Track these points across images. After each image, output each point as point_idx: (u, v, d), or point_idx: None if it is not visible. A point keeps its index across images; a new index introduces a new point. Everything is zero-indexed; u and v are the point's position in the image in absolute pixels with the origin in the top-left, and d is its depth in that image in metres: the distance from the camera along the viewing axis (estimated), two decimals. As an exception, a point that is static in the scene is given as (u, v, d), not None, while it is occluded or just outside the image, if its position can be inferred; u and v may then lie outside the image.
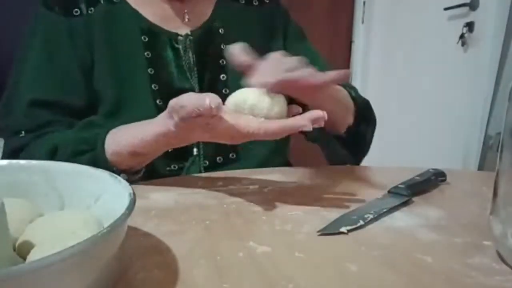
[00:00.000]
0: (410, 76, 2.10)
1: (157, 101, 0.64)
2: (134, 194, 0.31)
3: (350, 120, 0.65)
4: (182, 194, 0.51)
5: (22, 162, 0.38)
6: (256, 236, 0.40)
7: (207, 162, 0.66)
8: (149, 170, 0.57)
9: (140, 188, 0.52)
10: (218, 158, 0.67)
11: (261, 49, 0.50)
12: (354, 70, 2.52)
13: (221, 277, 0.32)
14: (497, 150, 0.36)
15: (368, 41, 2.42)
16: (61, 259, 0.22)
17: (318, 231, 0.41)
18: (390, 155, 2.24)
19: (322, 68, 0.49)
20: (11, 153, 0.59)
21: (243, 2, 0.75)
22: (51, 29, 0.64)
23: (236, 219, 0.44)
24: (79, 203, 0.36)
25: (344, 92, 0.66)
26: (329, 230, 0.41)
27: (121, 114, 0.62)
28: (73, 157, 0.54)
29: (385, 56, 2.33)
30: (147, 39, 0.65)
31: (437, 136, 1.91)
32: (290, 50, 0.74)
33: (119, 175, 0.42)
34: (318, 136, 0.67)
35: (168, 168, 0.64)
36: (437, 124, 1.92)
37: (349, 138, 0.66)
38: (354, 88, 0.71)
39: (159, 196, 0.51)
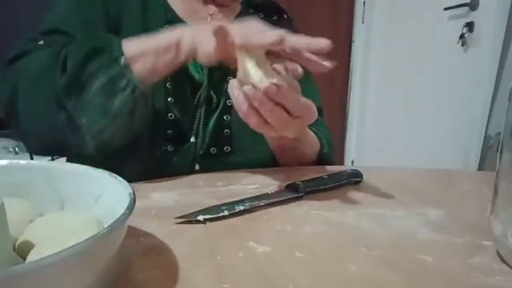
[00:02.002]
0: (410, 76, 2.10)
1: (167, 84, 0.66)
2: (134, 194, 0.31)
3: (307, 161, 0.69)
4: (182, 194, 0.51)
5: (22, 162, 0.38)
6: (256, 236, 0.39)
7: (201, 151, 0.68)
8: (144, 147, 0.59)
9: (140, 188, 0.52)
10: (212, 149, 0.69)
11: None
12: (354, 70, 2.52)
13: (221, 277, 0.32)
14: (497, 150, 0.36)
15: (368, 41, 2.43)
16: (61, 259, 0.22)
17: (174, 218, 0.42)
18: (389, 155, 2.24)
19: (314, 102, 0.49)
20: (13, 57, 0.58)
21: (262, 16, 0.75)
22: None
23: (236, 219, 0.44)
24: (79, 203, 0.36)
25: (313, 142, 0.68)
26: (187, 218, 0.42)
27: None
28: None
29: (385, 56, 2.33)
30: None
31: (437, 136, 1.92)
32: None
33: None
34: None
35: (164, 148, 0.66)
36: (437, 124, 1.92)
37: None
38: (330, 145, 0.72)
39: (159, 196, 0.51)
